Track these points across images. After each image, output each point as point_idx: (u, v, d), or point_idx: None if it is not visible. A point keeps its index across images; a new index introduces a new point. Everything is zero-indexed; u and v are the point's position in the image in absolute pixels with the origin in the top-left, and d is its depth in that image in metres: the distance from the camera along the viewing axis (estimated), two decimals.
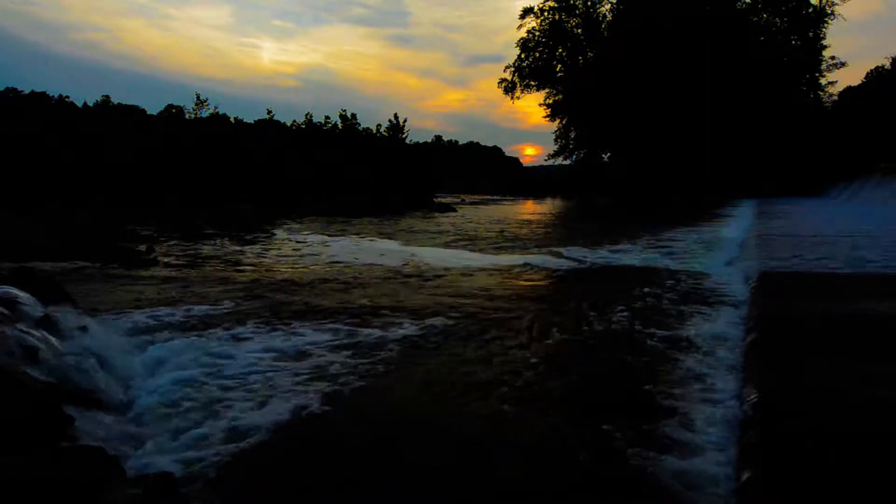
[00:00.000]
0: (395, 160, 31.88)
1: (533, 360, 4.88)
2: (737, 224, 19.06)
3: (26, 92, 43.89)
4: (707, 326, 5.93)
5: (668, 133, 41.98)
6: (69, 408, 3.18)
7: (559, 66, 50.36)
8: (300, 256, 11.53)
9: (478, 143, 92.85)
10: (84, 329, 4.32)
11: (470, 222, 22.14)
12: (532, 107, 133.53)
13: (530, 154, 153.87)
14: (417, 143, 49.49)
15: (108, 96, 40.88)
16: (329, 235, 15.82)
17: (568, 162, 52.71)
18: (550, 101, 51.06)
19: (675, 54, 41.04)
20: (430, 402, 4.08)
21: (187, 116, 33.14)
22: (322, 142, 32.05)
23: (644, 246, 13.71)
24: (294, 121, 35.36)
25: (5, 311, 3.77)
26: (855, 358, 4.39)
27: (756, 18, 46.06)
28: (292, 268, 10.05)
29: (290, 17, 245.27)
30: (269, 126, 34.11)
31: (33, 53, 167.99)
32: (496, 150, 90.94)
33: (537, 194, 51.51)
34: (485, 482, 3.01)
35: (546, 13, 49.33)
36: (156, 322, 5.84)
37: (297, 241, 14.14)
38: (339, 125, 34.80)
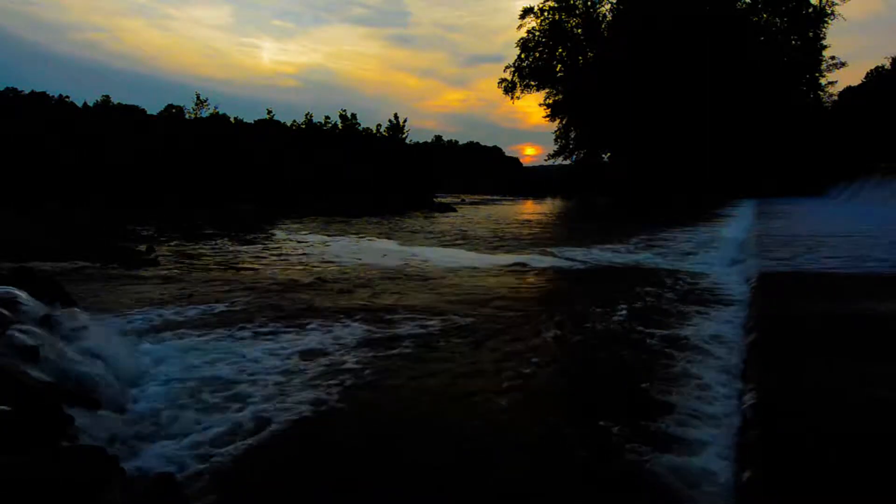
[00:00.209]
0: (395, 160, 31.87)
1: (533, 360, 4.89)
2: (737, 224, 19.05)
3: (26, 92, 43.98)
4: (707, 326, 5.95)
5: (668, 133, 41.97)
6: (69, 408, 3.17)
7: (559, 66, 50.35)
8: (300, 256, 11.53)
9: (478, 143, 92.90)
10: (84, 329, 4.32)
11: (470, 222, 22.13)
12: (532, 107, 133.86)
13: (530, 154, 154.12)
14: (417, 143, 49.55)
15: (108, 96, 40.92)
16: (329, 235, 15.82)
17: (568, 162, 52.72)
18: (550, 101, 51.11)
19: (675, 54, 41.04)
20: (430, 402, 4.08)
21: (187, 116, 33.13)
22: (322, 142, 32.04)
23: (644, 246, 13.70)
24: (294, 121, 35.43)
25: (5, 311, 3.76)
26: (855, 358, 4.39)
27: (756, 18, 46.05)
28: (292, 268, 10.05)
29: (290, 17, 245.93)
30: (269, 126, 34.09)
31: (33, 53, 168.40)
32: (496, 150, 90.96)
33: (537, 194, 51.39)
34: (485, 481, 3.02)
35: (546, 13, 49.36)
36: (156, 322, 5.86)
37: (297, 242, 14.13)
38: (339, 125, 34.82)
